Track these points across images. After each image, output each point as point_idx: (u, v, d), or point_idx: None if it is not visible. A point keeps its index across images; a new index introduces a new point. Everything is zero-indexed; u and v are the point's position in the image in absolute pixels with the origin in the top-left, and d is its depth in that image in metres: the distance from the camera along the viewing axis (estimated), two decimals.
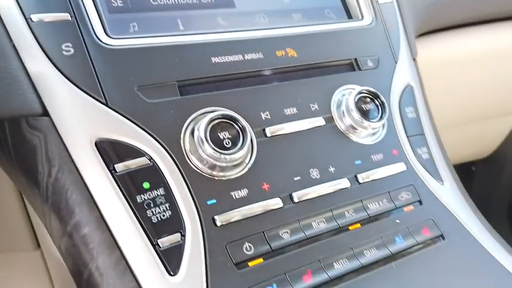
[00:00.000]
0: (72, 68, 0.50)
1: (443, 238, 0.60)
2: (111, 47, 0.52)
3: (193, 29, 0.58)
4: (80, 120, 0.49)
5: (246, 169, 0.54)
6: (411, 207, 0.61)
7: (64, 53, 0.50)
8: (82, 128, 0.49)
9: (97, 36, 0.52)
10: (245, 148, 0.51)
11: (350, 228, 0.56)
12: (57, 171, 0.49)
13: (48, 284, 0.89)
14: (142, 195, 0.48)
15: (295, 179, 0.56)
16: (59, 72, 0.49)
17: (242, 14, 0.63)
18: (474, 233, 0.62)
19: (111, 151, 0.49)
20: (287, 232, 0.53)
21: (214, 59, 0.57)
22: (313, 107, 0.61)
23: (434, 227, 0.60)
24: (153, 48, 0.54)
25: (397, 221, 0.59)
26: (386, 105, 0.62)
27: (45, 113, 0.49)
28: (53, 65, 0.49)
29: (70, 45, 0.50)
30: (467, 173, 1.68)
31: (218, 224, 0.50)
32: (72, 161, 0.49)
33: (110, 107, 0.50)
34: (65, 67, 0.49)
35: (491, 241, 0.62)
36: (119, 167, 0.49)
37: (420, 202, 0.62)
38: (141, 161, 0.49)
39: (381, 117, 0.61)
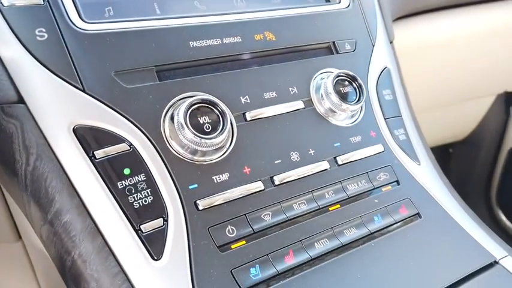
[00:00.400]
0: (46, 54, 0.49)
1: (420, 216, 0.62)
2: (86, 31, 0.51)
3: (170, 13, 0.57)
4: (56, 106, 0.48)
5: (226, 153, 0.54)
6: (389, 187, 0.63)
7: (38, 38, 0.49)
8: (59, 115, 0.48)
9: (71, 21, 0.51)
10: (225, 132, 0.51)
11: (330, 209, 0.57)
12: (35, 159, 0.48)
13: (30, 274, 0.89)
14: (123, 181, 0.48)
15: (276, 162, 0.56)
16: (33, 58, 0.48)
17: None
18: (449, 211, 0.64)
19: (89, 138, 0.49)
20: (269, 214, 0.53)
21: (192, 43, 0.56)
22: (292, 90, 0.61)
23: (411, 206, 0.62)
24: (130, 32, 0.53)
25: (376, 200, 0.60)
26: (364, 87, 0.62)
27: (21, 100, 0.48)
28: (26, 50, 0.48)
29: (44, 30, 0.49)
30: (445, 155, 1.72)
31: (200, 208, 0.50)
32: (51, 148, 0.48)
33: (87, 93, 0.49)
34: (39, 52, 0.48)
35: (465, 218, 0.64)
36: (99, 153, 0.48)
37: (398, 182, 0.63)
38: (121, 147, 0.49)
39: (359, 100, 0.62)
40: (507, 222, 1.60)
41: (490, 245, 0.61)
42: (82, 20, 0.52)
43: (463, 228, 0.62)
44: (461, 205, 0.67)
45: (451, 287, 0.54)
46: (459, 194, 0.70)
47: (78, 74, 0.49)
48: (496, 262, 0.59)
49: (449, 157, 1.74)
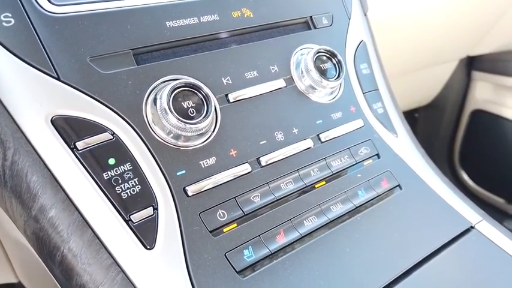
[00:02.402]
0: (15, 41, 0.46)
1: (401, 188, 0.64)
2: (56, 15, 0.48)
3: None
4: (31, 97, 0.46)
5: (211, 137, 0.53)
6: (370, 161, 0.64)
7: (4, 24, 0.45)
8: (35, 106, 0.46)
9: (39, 4, 0.48)
10: (210, 117, 0.50)
11: (316, 186, 0.58)
12: (13, 154, 0.46)
13: (6, 265, 0.86)
14: (108, 172, 0.47)
15: (261, 143, 0.56)
16: (0, 46, 0.45)
17: None
18: (426, 180, 0.66)
19: (69, 128, 0.46)
20: (257, 196, 0.54)
21: (168, 23, 0.54)
22: (273, 69, 0.60)
23: (392, 178, 0.64)
24: (102, 14, 0.51)
25: (359, 175, 0.62)
26: (343, 64, 0.63)
27: None
28: None
29: (9, 15, 0.46)
30: (411, 120, 1.78)
31: (190, 194, 0.50)
32: (29, 141, 0.46)
33: (62, 81, 0.47)
34: (7, 40, 0.45)
35: (441, 186, 0.67)
36: (80, 144, 0.46)
37: (378, 156, 0.65)
38: (104, 137, 0.48)
39: (338, 76, 0.62)
40: (470, 182, 1.69)
41: (466, 211, 0.64)
42: (50, 2, 0.48)
43: (440, 196, 0.65)
44: (436, 173, 0.69)
45: (433, 254, 0.57)
46: None
47: (51, 61, 0.47)
48: (472, 227, 0.62)
49: (415, 122, 1.80)
